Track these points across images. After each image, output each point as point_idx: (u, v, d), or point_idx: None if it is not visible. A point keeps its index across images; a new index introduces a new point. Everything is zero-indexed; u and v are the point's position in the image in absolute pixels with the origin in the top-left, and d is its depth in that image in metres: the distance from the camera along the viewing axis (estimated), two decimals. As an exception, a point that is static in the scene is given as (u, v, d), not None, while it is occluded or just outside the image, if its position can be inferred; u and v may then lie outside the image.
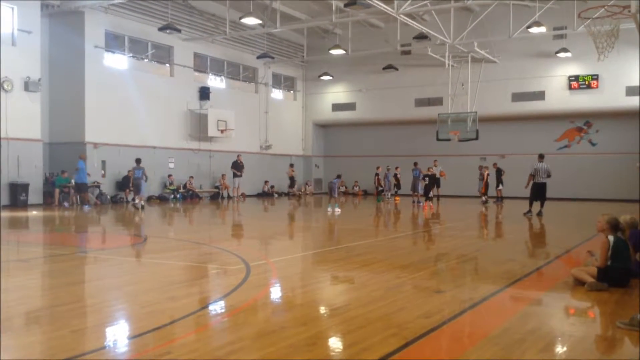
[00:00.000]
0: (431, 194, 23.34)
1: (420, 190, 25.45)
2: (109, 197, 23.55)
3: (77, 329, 5.06)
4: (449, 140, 28.42)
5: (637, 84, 26.15)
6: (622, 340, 4.93)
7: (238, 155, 27.59)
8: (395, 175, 28.09)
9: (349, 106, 33.83)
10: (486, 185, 25.31)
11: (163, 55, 26.68)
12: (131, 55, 25.22)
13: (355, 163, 34.39)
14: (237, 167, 27.35)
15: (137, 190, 20.60)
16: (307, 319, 5.43)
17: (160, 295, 6.40)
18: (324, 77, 32.61)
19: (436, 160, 26.34)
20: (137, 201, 20.32)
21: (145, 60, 25.94)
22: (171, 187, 26.07)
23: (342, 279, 7.77)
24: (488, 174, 25.33)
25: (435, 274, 8.22)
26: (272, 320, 5.57)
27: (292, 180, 28.96)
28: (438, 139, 28.66)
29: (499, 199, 25.61)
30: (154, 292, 6.65)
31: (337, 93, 34.19)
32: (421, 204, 24.35)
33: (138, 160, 20.98)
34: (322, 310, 6.01)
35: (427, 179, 22.87)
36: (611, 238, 6.84)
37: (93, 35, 23.12)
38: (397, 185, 27.98)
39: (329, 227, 15.56)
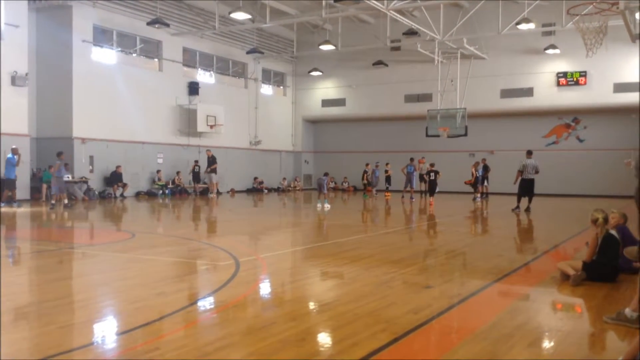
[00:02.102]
0: (437, 189, 23.17)
1: (415, 186, 25.47)
2: (96, 192, 23.40)
3: (65, 325, 5.03)
4: (438, 136, 28.48)
5: (625, 81, 26.34)
6: (609, 335, 4.97)
7: (207, 150, 26.80)
8: (386, 171, 28.10)
9: (339, 102, 33.83)
10: (475, 181, 25.45)
11: (152, 49, 26.51)
12: (119, 49, 25.03)
13: (345, 159, 34.40)
14: (208, 162, 26.29)
15: (61, 189, 18.62)
16: (297, 315, 5.43)
17: (149, 291, 6.38)
18: (314, 73, 32.57)
19: (423, 158, 26.34)
20: (52, 201, 18.37)
21: (134, 54, 25.76)
22: (160, 183, 25.95)
23: (332, 275, 7.77)
24: (477, 170, 25.42)
25: (424, 269, 8.25)
26: (262, 316, 5.56)
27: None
28: (427, 135, 28.72)
29: (484, 195, 25.69)
30: (142, 288, 6.62)
31: (326, 89, 34.16)
32: (413, 199, 24.37)
33: (59, 154, 18.71)
34: (312, 305, 6.01)
35: (432, 174, 22.71)
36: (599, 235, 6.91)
37: (81, 30, 22.93)
38: (388, 182, 27.99)
39: (318, 222, 15.56)
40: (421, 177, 26.80)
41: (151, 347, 4.35)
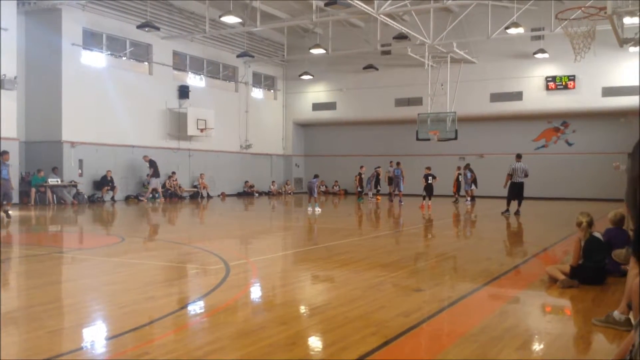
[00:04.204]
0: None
1: (403, 189, 25.56)
2: (86, 196, 23.28)
3: (54, 329, 5.00)
4: (428, 140, 28.59)
5: (614, 85, 26.56)
6: (597, 337, 5.00)
7: (144, 156, 25.19)
8: (377, 175, 28.23)
9: (329, 105, 33.86)
10: (457, 185, 25.76)
11: (141, 53, 26.43)
12: (109, 53, 24.94)
13: (336, 162, 34.43)
14: (150, 168, 25.08)
15: (7, 195, 15.95)
16: (287, 319, 5.42)
17: (138, 296, 6.35)
18: (305, 77, 32.58)
19: (398, 162, 26.27)
20: (8, 209, 15.82)
21: (124, 58, 25.67)
22: (149, 187, 25.80)
23: (322, 278, 7.77)
24: (459, 174, 25.77)
25: (414, 272, 8.27)
26: (252, 320, 5.55)
27: None
28: (418, 139, 28.82)
29: (471, 198, 25.90)
30: (132, 292, 6.59)
31: (317, 92, 34.19)
32: (402, 203, 24.44)
33: (3, 153, 16.08)
34: (302, 309, 6.00)
35: (429, 178, 22.77)
36: (582, 238, 6.96)
37: (70, 33, 22.83)
38: (377, 185, 28.11)
39: (309, 226, 15.56)
40: (390, 180, 26.92)
41: (141, 351, 4.33)
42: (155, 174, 25.14)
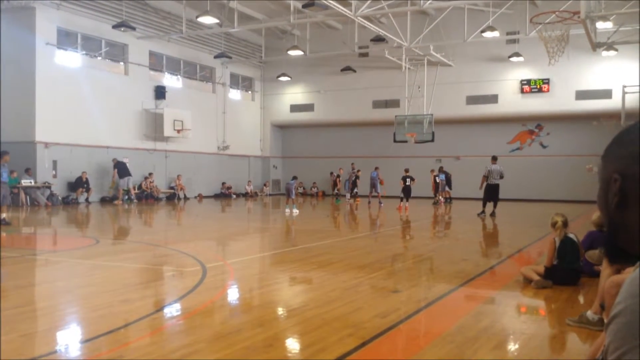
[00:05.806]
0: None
1: (380, 191, 25.68)
2: (60, 198, 22.94)
3: (26, 333, 4.91)
4: (405, 142, 28.75)
5: (587, 88, 27.00)
6: (571, 337, 5.08)
7: (113, 159, 24.72)
8: (356, 176, 28.34)
9: (307, 107, 33.85)
10: (435, 187, 26.03)
11: (117, 53, 26.15)
12: (84, 52, 24.62)
13: (313, 164, 34.41)
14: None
15: (5, 198, 14.90)
16: (264, 321, 5.41)
17: (113, 298, 6.27)
18: (282, 78, 32.55)
19: (376, 167, 26.42)
20: (3, 215, 14.70)
21: (99, 58, 25.37)
22: (125, 188, 25.50)
23: (300, 280, 7.77)
24: (436, 176, 26.04)
25: (391, 274, 8.30)
26: (229, 322, 5.52)
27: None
28: (395, 141, 28.96)
29: (448, 199, 26.18)
30: (107, 294, 6.51)
31: (295, 94, 34.15)
32: (382, 204, 24.54)
33: (3, 154, 15.37)
34: (280, 311, 5.99)
35: (407, 179, 22.88)
36: (557, 239, 7.04)
37: (44, 32, 22.48)
38: (354, 187, 28.22)
39: (286, 228, 15.53)
40: (354, 183, 27.07)
41: (115, 354, 4.28)
42: (122, 174, 24.66)
